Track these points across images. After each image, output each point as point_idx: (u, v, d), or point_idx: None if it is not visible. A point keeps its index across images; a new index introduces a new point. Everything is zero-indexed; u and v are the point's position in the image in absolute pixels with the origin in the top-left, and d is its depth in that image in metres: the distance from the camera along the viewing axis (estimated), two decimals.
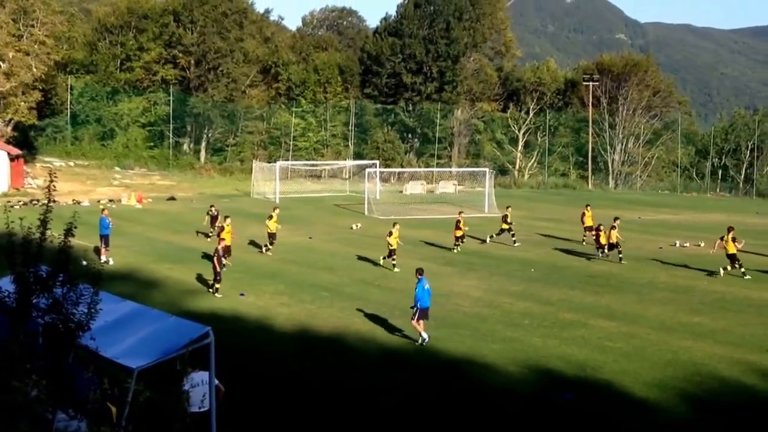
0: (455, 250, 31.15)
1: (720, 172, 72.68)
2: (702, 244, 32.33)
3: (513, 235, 32.77)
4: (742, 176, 70.74)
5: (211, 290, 22.69)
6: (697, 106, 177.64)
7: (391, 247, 27.24)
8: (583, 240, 33.10)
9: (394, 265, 26.96)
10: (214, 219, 33.04)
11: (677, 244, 32.83)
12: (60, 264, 9.72)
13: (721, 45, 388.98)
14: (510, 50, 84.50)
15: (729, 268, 26.15)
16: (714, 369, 16.33)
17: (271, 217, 30.73)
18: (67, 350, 9.83)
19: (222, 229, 27.54)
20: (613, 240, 28.87)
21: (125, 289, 19.96)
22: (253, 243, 32.14)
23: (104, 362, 10.29)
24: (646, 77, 74.32)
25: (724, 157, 72.73)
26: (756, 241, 33.98)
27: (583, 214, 34.18)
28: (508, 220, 33.02)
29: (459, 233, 31.40)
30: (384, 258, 27.58)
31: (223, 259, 22.98)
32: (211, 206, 34.80)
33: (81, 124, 70.95)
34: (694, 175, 73.88)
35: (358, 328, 19.34)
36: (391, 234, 27.39)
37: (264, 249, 30.23)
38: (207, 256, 28.94)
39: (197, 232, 34.55)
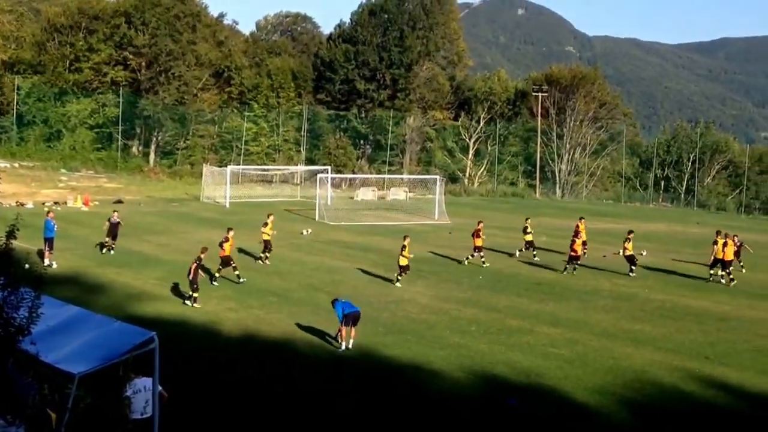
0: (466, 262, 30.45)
1: (662, 183, 74.61)
2: (644, 253, 33.15)
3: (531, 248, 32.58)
4: (684, 187, 72.75)
5: (189, 302, 21.76)
6: (642, 119, 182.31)
7: (402, 264, 25.59)
8: (584, 253, 31.91)
9: (398, 280, 25.55)
10: (114, 226, 30.00)
11: (620, 253, 33.56)
12: (1, 267, 9.53)
13: (666, 59, 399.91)
14: (462, 60, 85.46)
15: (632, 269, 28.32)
16: (654, 375, 16.77)
17: (266, 224, 29.95)
18: (6, 355, 9.64)
19: (226, 239, 25.50)
20: (630, 251, 28.37)
21: (69, 293, 19.58)
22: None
23: (45, 367, 10.11)
24: (593, 89, 75.95)
25: (666, 169, 74.70)
26: (695, 250, 35.10)
27: (577, 226, 32.47)
28: (528, 230, 32.55)
29: (479, 242, 30.28)
30: (398, 276, 25.78)
31: (223, 269, 24.18)
32: (114, 212, 31.43)
33: (27, 125, 69.31)
34: (638, 186, 75.70)
35: (306, 333, 19.32)
36: (404, 248, 25.36)
37: (263, 258, 29.15)
38: (155, 261, 28.57)
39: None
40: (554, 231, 37.99)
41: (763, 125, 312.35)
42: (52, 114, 69.42)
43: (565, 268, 28.98)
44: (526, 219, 33.96)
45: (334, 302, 18.31)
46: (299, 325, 20.00)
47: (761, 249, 37.51)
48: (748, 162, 71.23)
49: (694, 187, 71.44)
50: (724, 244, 27.59)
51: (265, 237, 29.61)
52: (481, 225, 30.66)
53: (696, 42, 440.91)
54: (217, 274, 24.93)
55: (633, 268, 28.78)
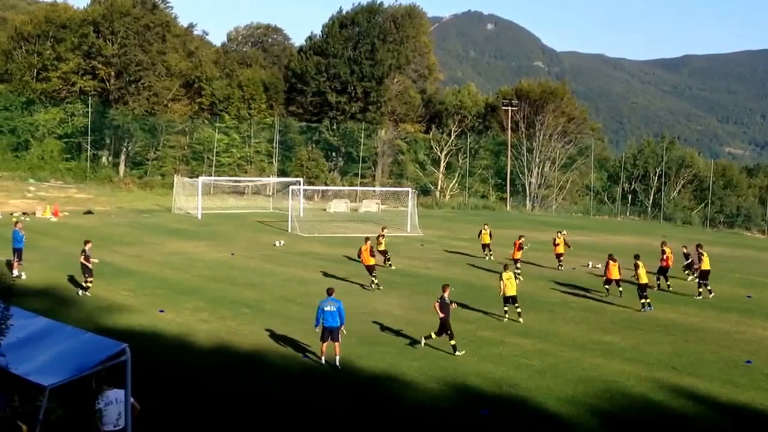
0: (560, 268, 32.25)
1: (630, 196, 75.70)
2: (589, 265, 33.63)
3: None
4: (651, 201, 73.89)
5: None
6: (610, 133, 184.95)
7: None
8: (560, 266, 33.10)
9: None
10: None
11: (590, 265, 34.03)
12: None
13: (633, 75, 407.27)
14: (433, 73, 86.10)
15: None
16: (623, 386, 16.98)
17: (379, 243, 31.38)
18: None
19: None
20: (644, 280, 25.29)
21: (39, 304, 19.32)
22: (173, 256, 31.49)
23: (15, 379, 9.97)
24: (562, 104, 77.01)
25: (633, 182, 75.86)
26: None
27: (554, 239, 33.85)
28: (565, 242, 33.51)
29: (560, 250, 32.59)
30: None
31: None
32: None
33: None
34: (606, 199, 76.73)
35: (279, 344, 19.27)
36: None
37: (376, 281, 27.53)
38: (126, 272, 28.29)
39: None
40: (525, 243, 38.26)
41: (727, 140, 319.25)
42: (20, 123, 68.56)
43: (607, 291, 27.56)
44: (520, 237, 33.20)
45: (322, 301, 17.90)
46: (272, 337, 19.94)
47: (726, 262, 38.26)
48: (713, 176, 72.60)
49: (661, 201, 72.59)
50: (700, 256, 27.98)
51: (381, 248, 31.25)
52: (522, 239, 32.32)
53: (660, 58, 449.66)
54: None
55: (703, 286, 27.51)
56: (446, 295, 19.02)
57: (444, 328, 18.76)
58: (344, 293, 26.18)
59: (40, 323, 11.64)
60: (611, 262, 27.13)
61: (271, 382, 16.44)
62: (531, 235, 45.56)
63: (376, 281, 27.32)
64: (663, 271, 29.36)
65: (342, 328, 17.69)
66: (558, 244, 33.40)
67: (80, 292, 24.01)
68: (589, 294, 27.90)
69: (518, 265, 31.41)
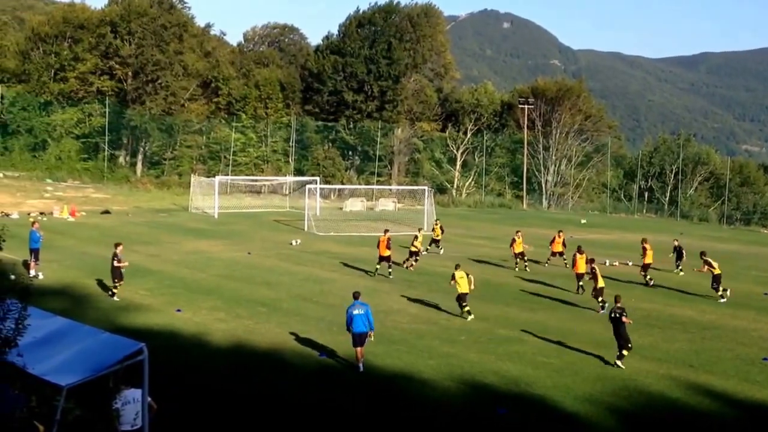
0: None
1: (646, 194, 75.18)
2: (630, 263, 33.37)
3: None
4: (667, 198, 73.32)
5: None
6: (626, 131, 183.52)
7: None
8: (547, 262, 33.33)
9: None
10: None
11: (607, 263, 33.78)
12: None
13: (649, 73, 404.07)
14: (449, 72, 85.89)
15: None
16: (641, 384, 16.87)
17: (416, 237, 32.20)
18: None
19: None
20: (718, 271, 26.85)
21: (56, 304, 19.45)
22: (190, 256, 31.58)
23: (32, 379, 10.01)
24: (578, 102, 76.56)
25: (650, 180, 75.30)
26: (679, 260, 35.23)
27: (554, 239, 33.47)
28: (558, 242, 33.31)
29: (518, 249, 32.38)
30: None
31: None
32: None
33: (11, 135, 68.92)
34: (623, 197, 76.22)
35: (295, 343, 19.27)
36: (454, 277, 23.04)
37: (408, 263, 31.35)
38: (143, 272, 28.42)
39: None
40: (542, 241, 38.05)
41: (744, 138, 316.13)
42: (37, 123, 69.08)
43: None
44: (517, 232, 34.07)
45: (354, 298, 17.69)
46: (288, 336, 19.94)
47: (743, 260, 37.88)
48: (729, 174, 71.92)
49: (677, 198, 71.99)
50: (707, 263, 27.59)
51: (414, 248, 31.79)
52: (519, 234, 32.92)
53: (678, 56, 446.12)
54: None
55: (720, 289, 26.86)
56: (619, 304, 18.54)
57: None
58: (361, 292, 26.23)
59: (57, 323, 11.70)
60: (578, 255, 27.25)
61: (288, 382, 16.42)
62: (547, 233, 45.33)
63: (378, 270, 29.38)
64: (645, 267, 30.17)
65: (371, 333, 17.33)
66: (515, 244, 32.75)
67: (111, 295, 23.62)
68: (608, 291, 27.62)
69: (564, 257, 32.49)
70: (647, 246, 30.48)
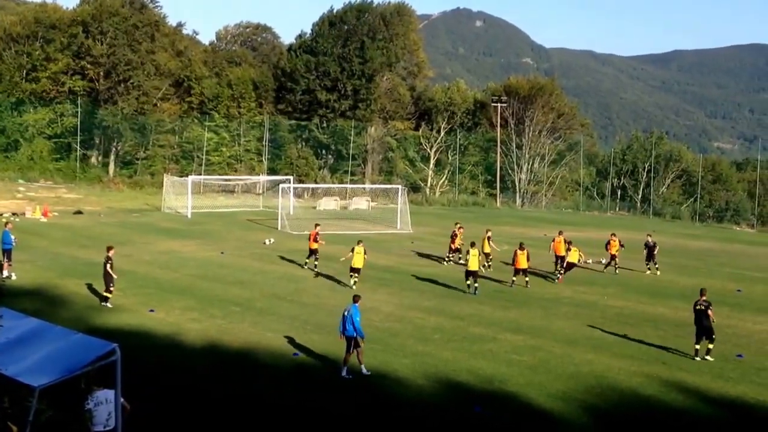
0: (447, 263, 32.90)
1: (619, 191, 76.02)
2: (603, 261, 33.76)
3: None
4: (640, 196, 74.20)
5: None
6: (599, 129, 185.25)
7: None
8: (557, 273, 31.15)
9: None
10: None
11: (580, 261, 34.12)
12: None
13: (621, 71, 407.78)
14: (422, 71, 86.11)
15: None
16: (614, 381, 17.08)
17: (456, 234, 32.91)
18: None
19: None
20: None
21: (29, 305, 19.24)
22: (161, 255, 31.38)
23: (4, 380, 9.94)
24: (551, 100, 77.10)
25: (623, 178, 76.16)
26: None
27: (554, 239, 32.17)
28: (622, 243, 32.88)
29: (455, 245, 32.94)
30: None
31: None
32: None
33: None
34: (595, 195, 77.01)
35: (269, 343, 19.25)
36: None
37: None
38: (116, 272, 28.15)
39: None
40: (515, 240, 38.34)
41: (716, 135, 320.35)
42: (9, 124, 68.30)
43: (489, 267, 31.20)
44: (457, 223, 34.95)
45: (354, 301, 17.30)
46: (262, 335, 19.91)
47: (716, 257, 38.51)
48: (702, 171, 73.00)
49: (650, 196, 72.89)
50: (568, 247, 30.05)
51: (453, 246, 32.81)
52: (460, 229, 33.52)
53: (649, 54, 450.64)
54: None
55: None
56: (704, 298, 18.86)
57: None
58: (333, 290, 26.34)
59: (29, 324, 11.60)
60: (519, 252, 27.74)
61: (262, 381, 16.41)
62: (521, 231, 45.70)
63: (307, 264, 30.31)
64: (612, 258, 32.03)
65: (359, 339, 16.79)
66: (455, 239, 33.15)
67: (103, 303, 22.56)
68: (581, 289, 28.00)
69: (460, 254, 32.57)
70: (614, 239, 32.14)
